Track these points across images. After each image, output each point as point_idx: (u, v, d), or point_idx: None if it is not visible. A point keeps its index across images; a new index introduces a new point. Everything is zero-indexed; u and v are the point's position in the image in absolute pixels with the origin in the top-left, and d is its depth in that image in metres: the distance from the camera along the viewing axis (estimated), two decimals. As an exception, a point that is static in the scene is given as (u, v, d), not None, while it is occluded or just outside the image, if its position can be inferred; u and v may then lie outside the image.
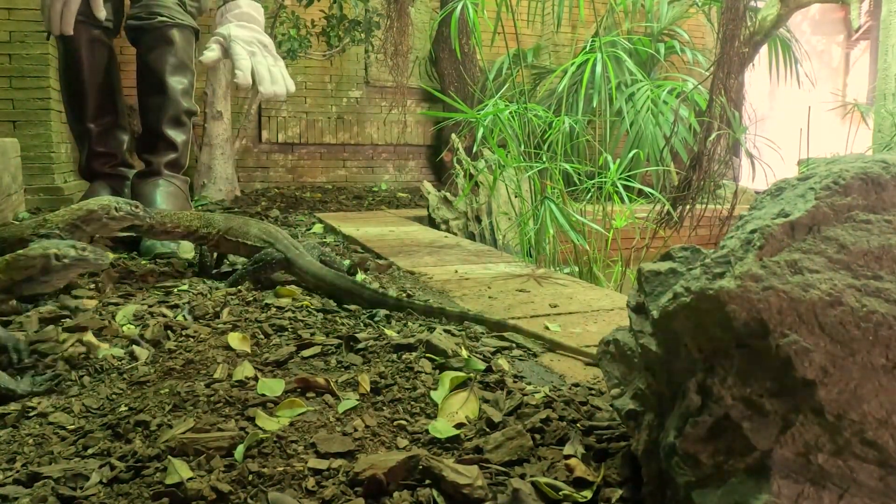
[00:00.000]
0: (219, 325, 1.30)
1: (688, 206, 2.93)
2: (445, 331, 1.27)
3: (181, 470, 0.73)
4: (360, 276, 1.77)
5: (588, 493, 0.70)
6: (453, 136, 3.73)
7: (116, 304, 1.45)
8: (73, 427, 0.88)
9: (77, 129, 2.47)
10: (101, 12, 2.25)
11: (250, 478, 0.73)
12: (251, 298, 1.50)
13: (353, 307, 1.47)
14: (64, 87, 2.44)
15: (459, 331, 1.28)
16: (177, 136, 2.37)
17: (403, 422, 0.89)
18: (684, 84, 4.12)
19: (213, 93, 4.20)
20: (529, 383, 1.03)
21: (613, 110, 4.54)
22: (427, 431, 0.85)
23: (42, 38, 3.76)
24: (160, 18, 2.30)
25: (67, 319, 1.31)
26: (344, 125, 5.59)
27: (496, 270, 2.03)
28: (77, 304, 1.42)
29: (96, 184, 2.45)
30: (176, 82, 2.36)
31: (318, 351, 1.15)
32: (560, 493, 0.70)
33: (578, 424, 0.86)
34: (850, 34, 7.80)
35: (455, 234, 3.35)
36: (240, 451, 0.79)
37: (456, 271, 2.00)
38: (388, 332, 1.26)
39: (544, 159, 2.44)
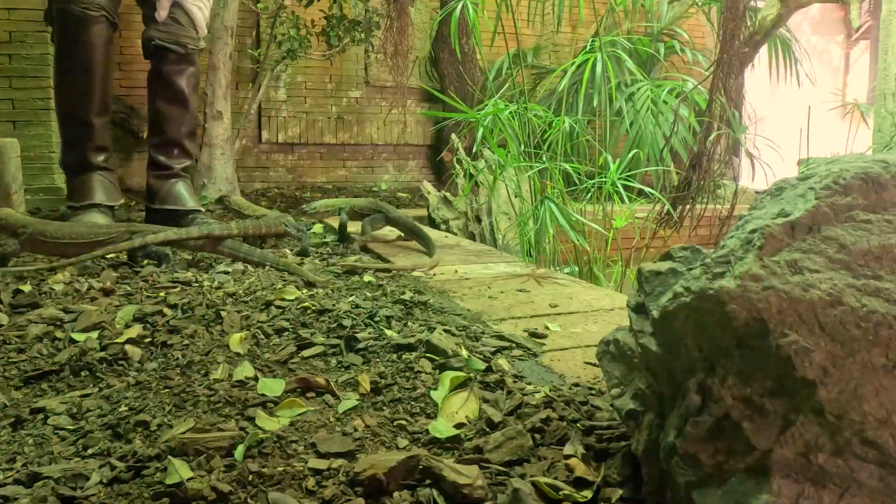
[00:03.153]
0: (220, 326, 1.29)
1: (688, 206, 2.93)
2: (445, 331, 1.27)
3: (181, 470, 0.73)
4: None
5: (588, 493, 0.70)
6: (453, 136, 3.72)
7: (118, 305, 1.45)
8: (73, 427, 0.88)
9: (76, 125, 2.55)
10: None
11: (250, 478, 0.73)
12: (249, 299, 1.50)
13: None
14: (69, 83, 2.52)
15: (460, 331, 1.28)
16: (190, 146, 2.82)
17: (403, 422, 0.89)
18: (684, 84, 4.11)
19: (213, 93, 4.20)
20: (529, 383, 1.03)
21: (613, 110, 4.54)
22: (427, 431, 0.85)
23: (42, 38, 3.76)
24: (190, 48, 2.68)
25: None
26: (344, 125, 5.59)
27: (496, 270, 2.03)
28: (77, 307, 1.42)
29: (94, 175, 2.53)
30: (195, 100, 2.78)
31: (319, 351, 1.15)
32: (560, 492, 0.70)
33: (578, 424, 0.86)
34: (850, 34, 7.79)
35: (455, 233, 3.35)
36: (240, 451, 0.79)
37: (456, 271, 2.00)
38: (388, 332, 1.26)
39: (544, 159, 2.44)
